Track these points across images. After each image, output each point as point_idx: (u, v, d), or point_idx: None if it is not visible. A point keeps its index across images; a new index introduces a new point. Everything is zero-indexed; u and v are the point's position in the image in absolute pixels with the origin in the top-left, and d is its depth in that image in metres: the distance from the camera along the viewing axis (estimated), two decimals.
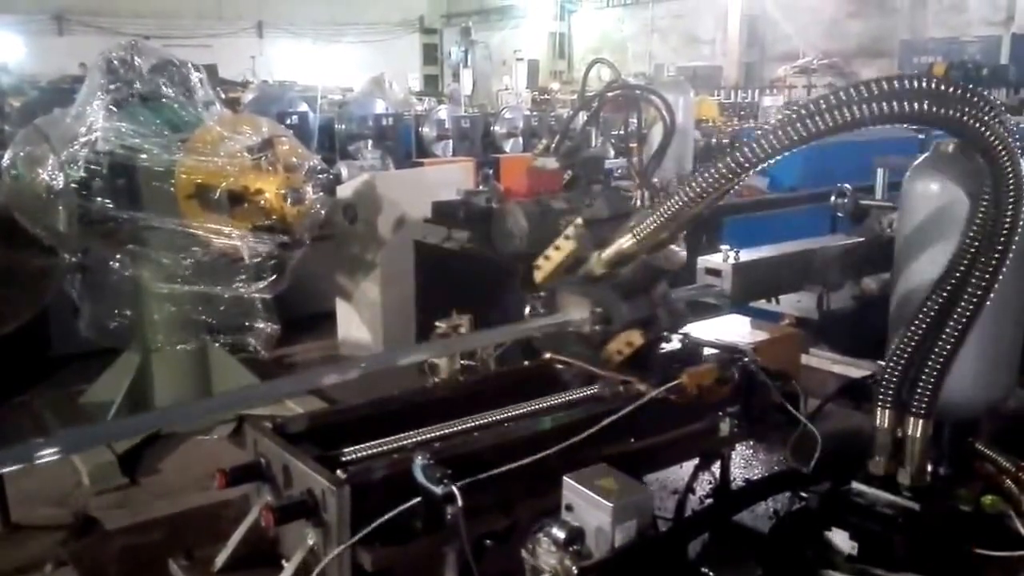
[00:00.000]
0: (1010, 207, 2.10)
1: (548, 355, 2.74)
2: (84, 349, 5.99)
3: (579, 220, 2.64)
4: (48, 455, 1.98)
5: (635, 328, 2.56)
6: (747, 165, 2.12)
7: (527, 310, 2.83)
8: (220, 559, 2.24)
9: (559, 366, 2.71)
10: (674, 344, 2.74)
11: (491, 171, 7.44)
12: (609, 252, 2.51)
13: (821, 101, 2.04)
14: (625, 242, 2.47)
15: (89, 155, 5.08)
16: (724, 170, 2.13)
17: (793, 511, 2.48)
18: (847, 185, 4.09)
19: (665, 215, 2.33)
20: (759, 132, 2.14)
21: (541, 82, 22.32)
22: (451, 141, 11.10)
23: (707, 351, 2.71)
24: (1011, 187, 2.09)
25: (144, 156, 5.12)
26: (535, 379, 2.69)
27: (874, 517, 2.29)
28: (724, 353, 2.66)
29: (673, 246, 2.60)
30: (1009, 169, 2.08)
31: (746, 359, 2.58)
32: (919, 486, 2.32)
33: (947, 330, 2.21)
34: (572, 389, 2.58)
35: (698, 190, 2.20)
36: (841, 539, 2.27)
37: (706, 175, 2.17)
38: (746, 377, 2.56)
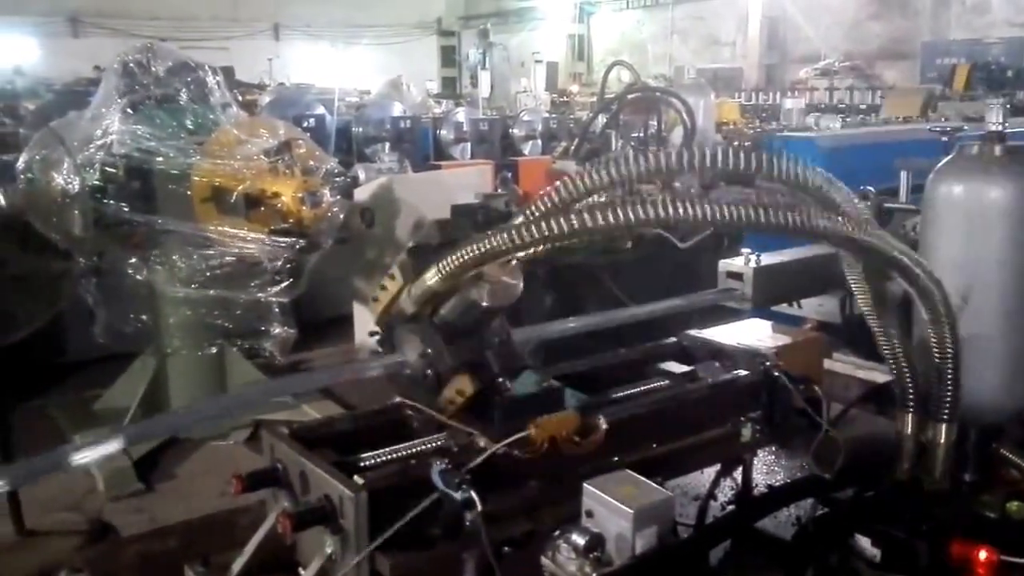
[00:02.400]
0: None
1: (398, 399, 2.49)
2: (99, 354, 5.99)
3: (404, 252, 2.39)
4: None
5: (464, 374, 2.30)
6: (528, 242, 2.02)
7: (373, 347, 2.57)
8: (236, 566, 2.22)
9: (409, 411, 2.46)
10: (529, 387, 2.40)
11: (509, 174, 7.39)
12: (416, 289, 2.27)
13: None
14: (431, 278, 2.21)
15: (105, 158, 5.08)
16: (526, 235, 2.02)
17: (816, 517, 2.44)
18: (870, 188, 4.04)
19: (471, 254, 2.10)
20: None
21: (560, 84, 22.25)
22: (469, 144, 11.09)
23: (569, 396, 2.43)
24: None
25: (160, 159, 5.12)
26: (385, 424, 2.48)
27: (898, 523, 2.25)
28: (588, 400, 2.42)
29: (506, 278, 2.28)
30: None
31: (768, 363, 2.55)
32: (943, 492, 2.28)
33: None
34: (420, 437, 2.36)
35: (505, 241, 2.05)
36: (865, 546, 2.23)
37: (511, 230, 2.06)
38: (768, 382, 2.53)
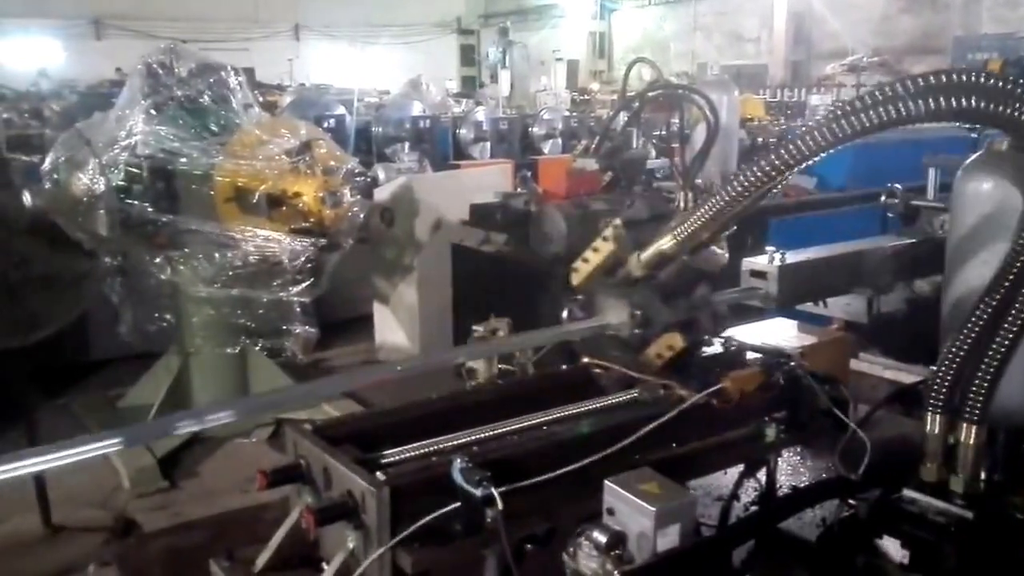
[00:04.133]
0: None
1: (586, 359, 2.69)
2: (123, 353, 6.05)
3: (618, 221, 2.60)
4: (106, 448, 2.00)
5: (675, 331, 2.52)
6: (791, 162, 2.08)
7: (565, 313, 2.80)
8: (261, 560, 2.24)
9: (597, 370, 2.66)
10: (716, 348, 2.68)
11: (529, 173, 7.39)
12: (649, 253, 2.48)
13: (867, 97, 1.99)
14: (665, 243, 2.43)
15: (129, 159, 5.13)
16: (767, 167, 2.10)
17: (842, 519, 2.41)
18: (897, 185, 4.01)
19: (706, 215, 2.30)
20: (803, 129, 2.09)
21: (581, 82, 22.24)
22: (489, 143, 11.09)
23: (750, 355, 2.65)
24: None
25: (183, 160, 5.16)
26: (573, 383, 2.64)
27: (926, 525, 2.23)
28: (768, 357, 2.60)
29: (714, 247, 2.57)
30: None
31: (793, 364, 2.53)
32: (972, 493, 2.25)
33: (1000, 333, 2.14)
34: (611, 393, 2.53)
35: (740, 189, 2.17)
36: (892, 548, 2.21)
37: (748, 173, 2.14)
38: (793, 382, 2.51)
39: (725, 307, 2.75)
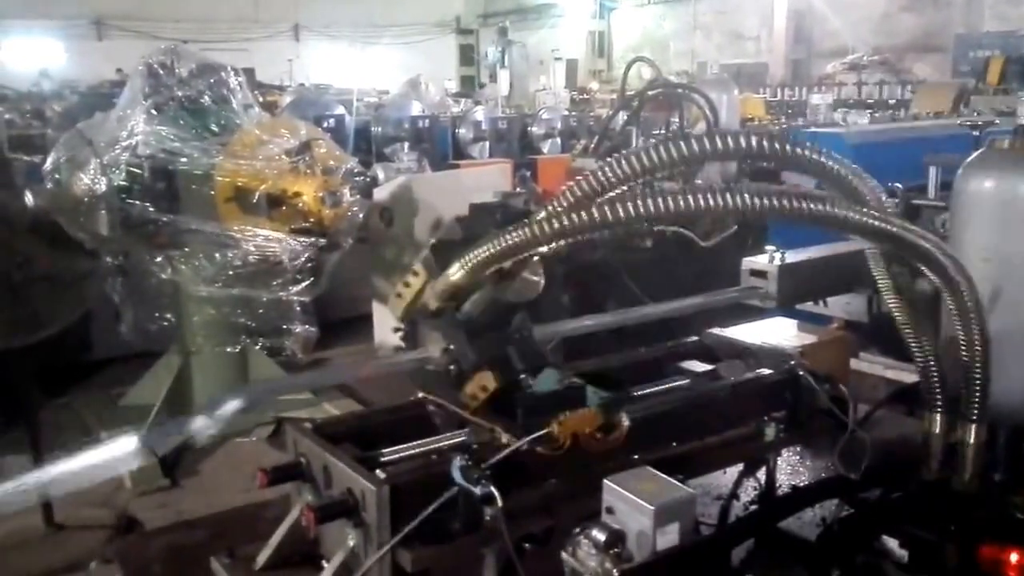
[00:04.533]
0: None
1: (421, 394, 2.51)
2: (125, 352, 6.06)
3: (427, 248, 2.38)
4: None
5: (486, 370, 2.29)
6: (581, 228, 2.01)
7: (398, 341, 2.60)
8: (261, 557, 2.25)
9: (431, 408, 2.47)
10: (550, 384, 2.37)
11: (528, 173, 7.39)
12: (440, 284, 2.26)
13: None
14: (454, 273, 2.21)
15: (130, 159, 5.13)
16: (562, 224, 2.02)
17: (841, 518, 2.42)
18: (898, 184, 4.01)
19: (497, 248, 2.11)
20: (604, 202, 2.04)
21: (580, 82, 22.21)
22: (488, 143, 11.08)
23: (590, 393, 2.40)
24: None
25: (184, 160, 5.16)
26: (408, 419, 2.48)
27: (925, 525, 2.23)
28: (607, 398, 2.39)
29: (528, 274, 2.30)
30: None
31: (793, 363, 2.53)
32: (973, 493, 2.26)
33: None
34: (443, 432, 2.37)
35: (527, 235, 2.06)
36: (892, 547, 2.22)
37: (532, 225, 2.06)
38: (792, 381, 2.51)
39: (538, 344, 2.49)
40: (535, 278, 2.31)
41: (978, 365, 2.20)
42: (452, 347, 2.33)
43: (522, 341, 2.38)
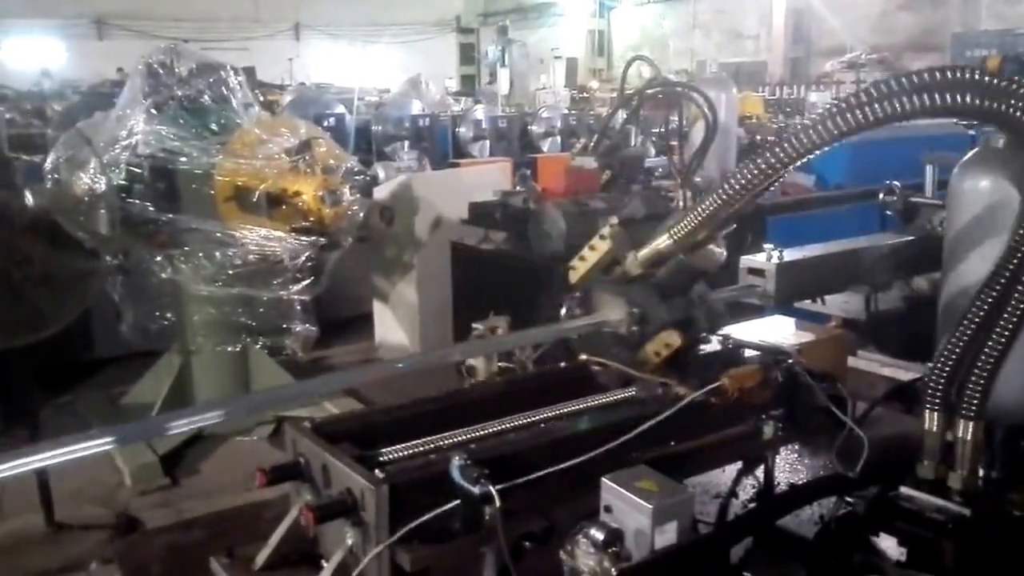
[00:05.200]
0: None
1: (584, 357, 2.70)
2: (126, 351, 6.07)
3: (614, 220, 2.62)
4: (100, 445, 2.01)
5: (673, 329, 2.52)
6: (787, 160, 2.09)
7: (563, 311, 2.81)
8: (261, 557, 2.25)
9: (595, 368, 2.66)
10: (714, 345, 2.68)
11: (528, 171, 7.39)
12: (646, 252, 2.49)
13: (863, 94, 2.00)
14: (662, 242, 2.45)
15: (130, 158, 5.15)
16: (764, 165, 2.11)
17: (839, 516, 2.42)
18: (896, 183, 4.01)
19: (703, 214, 2.31)
20: (800, 125, 2.10)
21: (580, 80, 22.21)
22: (488, 141, 11.09)
23: (748, 353, 2.64)
24: None
25: (184, 159, 5.17)
26: (571, 381, 2.64)
27: (923, 522, 2.24)
28: (766, 355, 2.59)
29: (712, 246, 2.55)
30: None
31: (790, 361, 2.53)
32: (970, 491, 2.26)
33: (997, 330, 2.15)
34: (609, 391, 2.53)
35: (737, 187, 2.18)
36: (889, 545, 2.22)
37: (745, 171, 2.15)
38: (790, 379, 2.51)
39: (722, 305, 2.76)
40: (719, 250, 2.56)
41: (991, 362, 2.20)
42: (635, 310, 2.55)
43: (704, 305, 2.62)
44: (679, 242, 2.42)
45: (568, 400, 2.45)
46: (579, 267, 2.67)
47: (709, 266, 2.58)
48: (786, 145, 2.07)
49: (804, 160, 2.11)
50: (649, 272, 2.53)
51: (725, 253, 2.60)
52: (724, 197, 2.23)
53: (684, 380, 2.42)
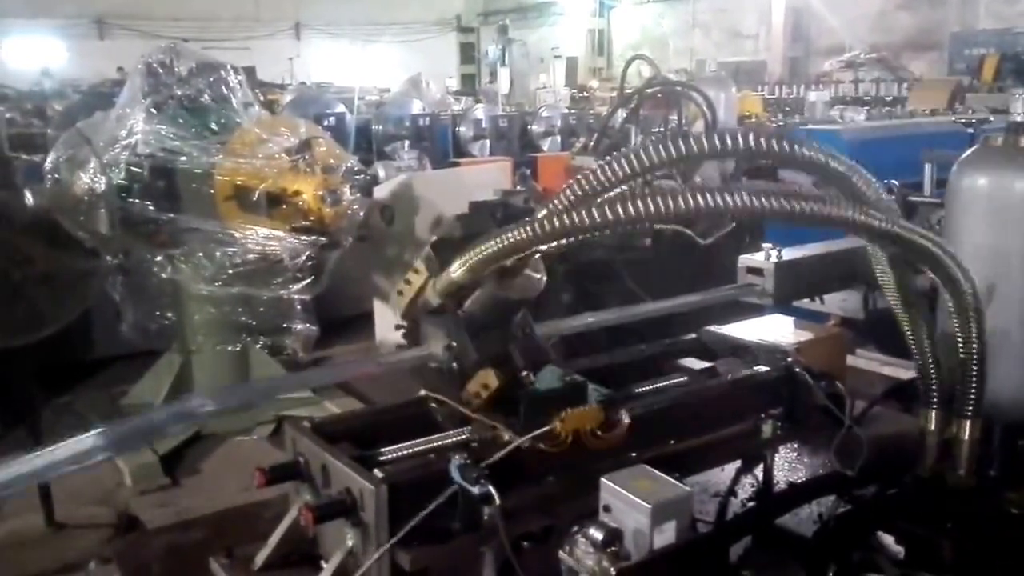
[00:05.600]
0: None
1: (423, 392, 2.50)
2: (126, 351, 6.06)
3: (428, 246, 2.39)
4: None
5: (489, 367, 2.30)
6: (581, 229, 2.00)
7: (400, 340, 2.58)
8: (260, 557, 2.25)
9: (433, 405, 2.46)
10: (552, 382, 2.37)
11: (528, 171, 7.39)
12: (441, 281, 2.28)
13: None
14: (455, 270, 2.22)
15: (130, 158, 5.14)
16: (560, 224, 2.01)
17: (838, 514, 2.42)
18: (894, 181, 4.01)
19: (497, 246, 2.11)
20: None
21: (580, 80, 22.19)
22: (488, 141, 11.08)
23: (591, 390, 2.39)
24: None
25: (184, 158, 5.16)
26: (411, 418, 2.47)
27: (921, 521, 2.24)
28: (608, 395, 2.38)
29: (529, 271, 2.31)
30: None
31: (789, 360, 2.53)
32: (968, 489, 2.26)
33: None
34: (446, 430, 2.36)
35: (528, 234, 2.06)
36: (888, 543, 2.22)
37: (534, 223, 2.05)
38: (789, 378, 2.52)
39: (543, 341, 2.52)
40: (537, 275, 2.32)
41: (975, 362, 2.21)
42: (454, 345, 2.34)
43: (524, 338, 2.38)
44: (474, 272, 2.20)
45: (409, 439, 2.29)
46: (405, 294, 2.42)
47: (525, 295, 2.34)
48: (584, 215, 1.97)
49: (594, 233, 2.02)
50: (451, 302, 2.31)
51: (544, 277, 2.36)
52: (522, 235, 2.06)
53: (513, 422, 2.22)
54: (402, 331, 2.54)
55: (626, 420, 2.27)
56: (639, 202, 1.93)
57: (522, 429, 2.16)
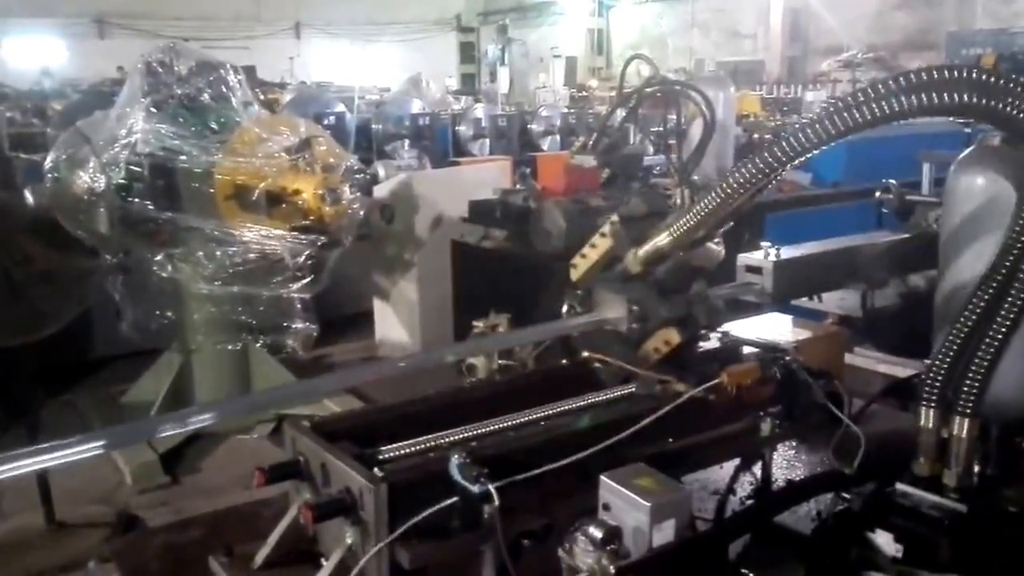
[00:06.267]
0: None
1: (586, 354, 2.72)
2: (126, 349, 6.08)
3: (615, 217, 2.63)
4: (92, 449, 2.01)
5: (672, 326, 2.54)
6: (785, 159, 2.09)
7: (564, 308, 2.82)
8: (260, 556, 2.25)
9: (597, 365, 2.68)
10: (713, 343, 2.70)
11: (528, 170, 7.40)
12: (645, 250, 2.51)
13: (860, 93, 2.00)
14: (661, 240, 2.47)
15: (130, 157, 5.15)
16: (762, 164, 2.11)
17: (836, 512, 2.43)
18: (892, 181, 4.02)
19: (702, 212, 2.33)
20: (799, 125, 2.11)
21: (579, 79, 22.20)
22: (488, 140, 11.09)
23: (748, 350, 2.66)
24: None
25: (184, 157, 5.18)
26: (572, 378, 2.66)
27: (919, 519, 2.24)
28: (765, 352, 2.61)
29: (711, 244, 2.58)
30: None
31: (788, 358, 2.54)
32: (965, 487, 2.27)
33: (993, 327, 2.16)
34: (609, 388, 2.55)
35: (735, 186, 2.18)
36: (885, 541, 2.22)
37: (744, 170, 2.15)
38: (788, 376, 2.52)
39: (721, 302, 2.76)
40: (717, 248, 2.62)
41: (988, 358, 2.20)
42: (635, 308, 2.58)
43: (704, 301, 2.63)
44: (678, 240, 2.44)
45: (570, 397, 2.46)
46: (580, 264, 2.69)
47: (708, 264, 2.62)
48: (784, 144, 2.07)
49: (802, 159, 2.12)
50: (649, 270, 2.55)
51: (723, 251, 2.63)
52: (723, 195, 2.24)
53: (683, 377, 2.44)
54: (566, 300, 2.78)
55: (778, 375, 2.48)
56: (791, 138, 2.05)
57: (694, 381, 2.37)
